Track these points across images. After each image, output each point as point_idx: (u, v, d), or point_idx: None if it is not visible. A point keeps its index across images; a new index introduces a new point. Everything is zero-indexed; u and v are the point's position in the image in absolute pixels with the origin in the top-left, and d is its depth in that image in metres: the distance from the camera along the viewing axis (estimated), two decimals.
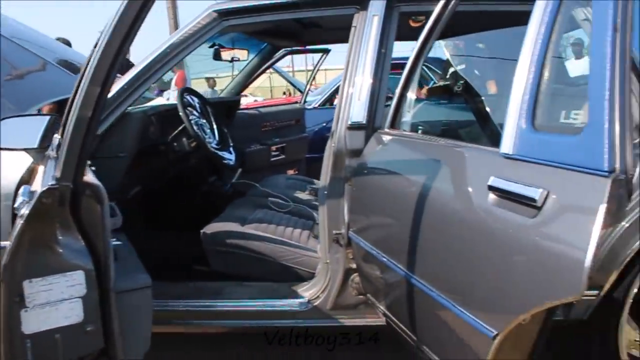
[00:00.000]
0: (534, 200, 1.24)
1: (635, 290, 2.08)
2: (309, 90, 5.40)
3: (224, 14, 2.38)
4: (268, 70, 5.07)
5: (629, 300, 2.09)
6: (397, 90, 2.18)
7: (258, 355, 2.69)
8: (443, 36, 2.41)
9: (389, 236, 2.01)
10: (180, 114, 2.80)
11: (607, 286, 2.06)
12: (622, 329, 2.12)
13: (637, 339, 2.28)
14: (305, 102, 5.06)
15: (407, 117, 2.23)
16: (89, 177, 1.62)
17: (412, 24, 2.75)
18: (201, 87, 11.82)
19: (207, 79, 12.12)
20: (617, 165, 1.09)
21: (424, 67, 5.84)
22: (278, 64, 5.88)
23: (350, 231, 2.23)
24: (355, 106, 2.22)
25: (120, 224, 1.94)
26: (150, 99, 4.28)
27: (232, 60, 3.50)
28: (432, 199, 1.67)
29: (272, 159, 4.34)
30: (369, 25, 2.27)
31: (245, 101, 5.82)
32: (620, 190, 1.09)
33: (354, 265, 2.29)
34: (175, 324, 2.48)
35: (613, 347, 2.14)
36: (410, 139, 2.16)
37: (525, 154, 1.34)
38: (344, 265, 2.30)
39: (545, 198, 1.22)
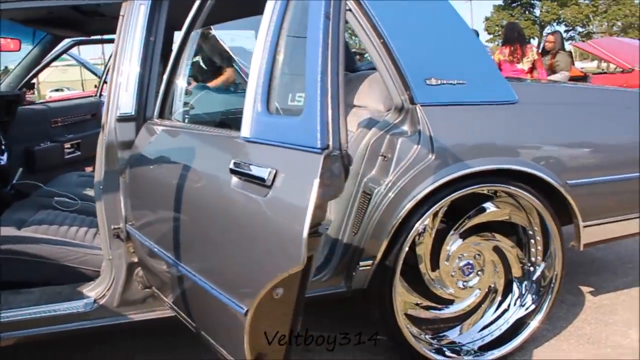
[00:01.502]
0: (263, 179, 1.31)
1: (404, 255, 2.30)
2: (104, 82, 5.17)
3: None
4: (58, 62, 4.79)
5: (399, 266, 2.29)
6: (164, 80, 2.17)
7: None
8: (210, 24, 2.43)
9: (158, 227, 2.01)
10: None
11: (379, 255, 2.25)
12: (396, 292, 2.33)
13: (417, 302, 2.52)
14: (101, 95, 4.84)
15: (177, 106, 2.24)
16: None
17: None
18: None
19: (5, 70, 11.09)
20: (331, 143, 1.18)
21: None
22: (85, 56, 5.56)
23: (127, 225, 2.19)
24: (123, 97, 2.17)
25: None
26: None
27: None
28: (188, 187, 1.70)
29: (67, 157, 4.11)
30: (135, 13, 2.22)
31: (62, 95, 5.45)
32: (334, 165, 1.18)
33: (136, 259, 2.25)
34: None
35: (390, 311, 2.34)
36: (175, 129, 2.17)
37: (260, 137, 1.40)
38: (126, 260, 2.25)
39: (274, 177, 1.30)
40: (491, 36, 39.61)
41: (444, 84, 2.25)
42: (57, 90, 21.99)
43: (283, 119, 1.37)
